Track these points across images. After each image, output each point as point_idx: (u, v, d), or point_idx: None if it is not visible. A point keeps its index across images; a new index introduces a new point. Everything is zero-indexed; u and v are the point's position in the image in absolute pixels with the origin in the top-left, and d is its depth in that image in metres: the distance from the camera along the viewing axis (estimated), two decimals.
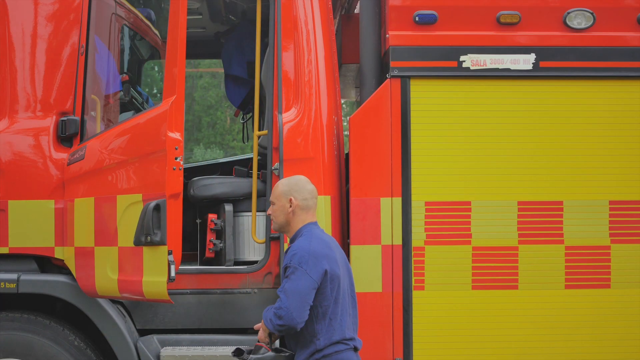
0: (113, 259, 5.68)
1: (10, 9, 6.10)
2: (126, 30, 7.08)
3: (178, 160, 5.47)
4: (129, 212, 5.56)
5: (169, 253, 5.37)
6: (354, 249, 6.07)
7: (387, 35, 6.14)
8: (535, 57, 6.13)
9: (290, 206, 5.00)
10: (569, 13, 6.15)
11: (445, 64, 6.11)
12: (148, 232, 5.41)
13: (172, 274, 5.35)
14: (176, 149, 5.46)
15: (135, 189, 5.61)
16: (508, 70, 6.12)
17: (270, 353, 5.03)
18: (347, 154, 6.27)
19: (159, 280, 5.41)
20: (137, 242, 5.46)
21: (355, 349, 5.04)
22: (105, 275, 5.71)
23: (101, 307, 5.92)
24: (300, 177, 5.18)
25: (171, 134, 5.47)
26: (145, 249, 5.44)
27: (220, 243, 6.29)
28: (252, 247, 6.38)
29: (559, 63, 6.14)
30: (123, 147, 5.79)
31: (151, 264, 5.45)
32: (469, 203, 6.11)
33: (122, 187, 5.70)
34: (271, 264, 6.14)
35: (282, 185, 5.09)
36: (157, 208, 5.39)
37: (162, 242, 5.38)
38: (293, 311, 4.80)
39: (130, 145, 5.75)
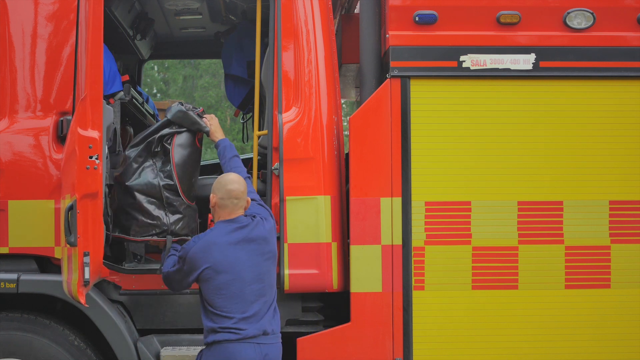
0: (64, 261, 5.72)
1: (10, 9, 6.10)
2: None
3: (93, 159, 5.44)
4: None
5: (85, 255, 5.36)
6: (354, 249, 6.07)
7: (387, 35, 6.14)
8: (535, 57, 6.13)
9: (212, 203, 5.50)
10: (569, 13, 6.15)
11: (445, 64, 6.11)
12: (65, 234, 5.43)
13: (86, 276, 5.34)
14: (90, 147, 5.43)
15: (67, 190, 5.63)
16: (508, 70, 6.12)
17: None
18: (347, 154, 6.27)
19: (73, 282, 5.43)
20: (67, 243, 5.49)
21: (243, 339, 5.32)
22: (64, 276, 5.74)
23: (101, 307, 5.92)
24: (227, 176, 5.55)
25: (83, 132, 5.45)
26: (72, 250, 5.46)
27: None
28: None
29: (559, 63, 6.14)
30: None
31: (72, 265, 5.47)
32: (469, 203, 6.11)
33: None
34: None
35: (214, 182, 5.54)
36: (72, 209, 5.39)
37: (74, 244, 5.38)
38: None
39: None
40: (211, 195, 5.53)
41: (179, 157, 6.18)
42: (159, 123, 6.27)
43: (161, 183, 6.16)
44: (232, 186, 5.47)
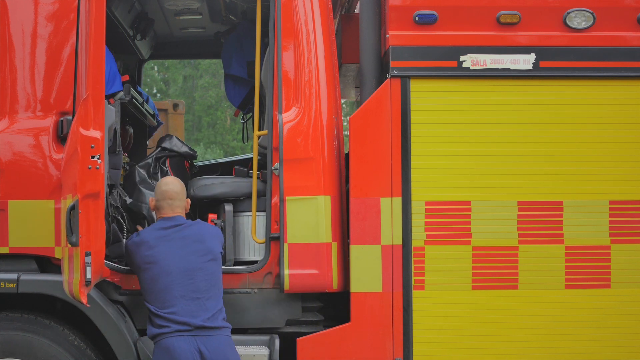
0: (65, 261, 5.73)
1: (10, 9, 6.10)
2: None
3: (95, 159, 5.46)
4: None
5: (87, 255, 5.38)
6: (354, 249, 6.07)
7: (387, 35, 6.14)
8: (535, 57, 6.13)
9: (151, 206, 5.97)
10: (569, 13, 6.15)
11: (445, 64, 6.11)
12: (67, 234, 5.44)
13: (88, 276, 5.37)
14: (92, 147, 5.45)
15: (68, 190, 5.63)
16: (508, 70, 6.12)
17: None
18: (347, 154, 6.27)
19: (74, 282, 5.44)
20: (68, 243, 5.50)
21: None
22: (64, 276, 5.75)
23: (100, 307, 5.92)
24: (164, 179, 6.03)
25: (85, 132, 5.46)
26: (73, 250, 5.46)
27: None
28: (252, 247, 6.38)
29: (559, 63, 6.14)
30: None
31: (74, 265, 5.48)
32: (469, 203, 6.11)
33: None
34: (271, 264, 6.14)
35: None
36: (74, 209, 5.40)
37: (76, 244, 5.39)
38: None
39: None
40: (150, 199, 6.03)
41: (175, 175, 6.78)
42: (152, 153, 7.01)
43: None
44: (166, 187, 5.89)
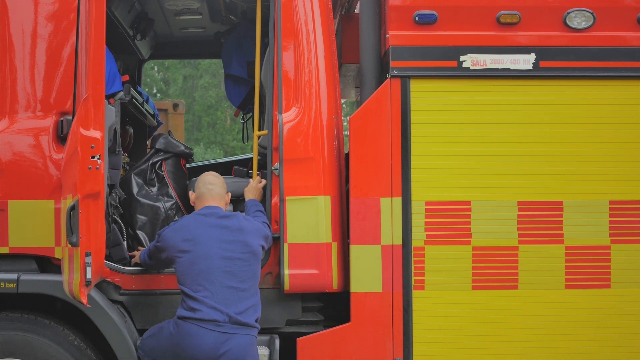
0: (65, 261, 5.73)
1: (10, 9, 6.10)
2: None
3: (95, 159, 5.46)
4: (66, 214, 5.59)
5: (87, 255, 5.38)
6: (354, 249, 6.08)
7: (387, 35, 6.14)
8: (535, 57, 6.13)
9: (192, 200, 5.97)
10: (569, 13, 6.15)
11: (445, 64, 6.11)
12: (67, 234, 5.44)
13: (88, 276, 5.37)
14: (92, 147, 5.45)
15: (68, 190, 5.63)
16: (508, 70, 6.13)
17: None
18: (347, 154, 6.27)
19: (74, 282, 5.45)
20: (69, 243, 5.50)
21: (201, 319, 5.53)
22: (64, 276, 5.75)
23: (100, 307, 5.92)
24: (205, 174, 6.00)
25: (85, 132, 5.46)
26: (74, 250, 5.46)
27: None
28: None
29: (559, 63, 6.14)
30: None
31: (74, 265, 5.48)
32: (469, 203, 6.11)
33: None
34: (271, 264, 6.14)
35: None
36: (74, 209, 5.41)
37: (76, 244, 5.40)
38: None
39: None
40: (189, 193, 6.01)
41: (172, 178, 6.79)
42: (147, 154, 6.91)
43: (166, 205, 6.69)
44: (206, 177, 5.91)
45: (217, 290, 5.57)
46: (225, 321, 5.53)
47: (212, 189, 5.85)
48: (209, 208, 5.81)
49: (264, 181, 6.25)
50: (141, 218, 6.62)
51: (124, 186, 6.74)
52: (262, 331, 6.17)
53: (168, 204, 6.67)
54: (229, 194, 5.98)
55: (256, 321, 5.66)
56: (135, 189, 6.71)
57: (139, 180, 6.77)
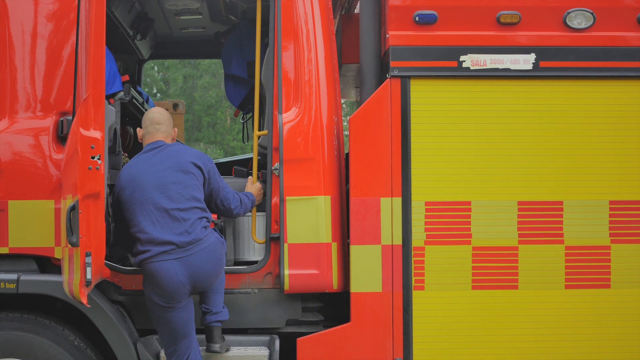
0: (65, 261, 5.74)
1: (10, 9, 6.10)
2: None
3: (95, 159, 5.46)
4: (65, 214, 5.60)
5: (87, 255, 5.38)
6: (353, 249, 6.07)
7: (387, 35, 6.14)
8: (535, 57, 6.13)
9: (139, 137, 6.08)
10: (569, 13, 6.15)
11: (445, 64, 6.11)
12: (67, 234, 5.45)
13: (88, 276, 5.38)
14: (92, 147, 5.46)
15: (68, 190, 5.64)
16: (508, 70, 6.12)
17: None
18: (347, 154, 6.27)
19: (74, 282, 5.45)
20: (69, 243, 5.51)
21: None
22: (64, 276, 5.75)
23: (100, 308, 5.92)
24: (151, 110, 6.15)
25: (85, 132, 5.46)
26: (74, 250, 5.46)
27: None
28: (252, 248, 6.39)
29: (559, 63, 6.14)
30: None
31: (74, 266, 5.49)
32: (469, 203, 6.11)
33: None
34: (271, 264, 6.14)
35: None
36: (74, 209, 5.41)
37: (76, 244, 5.40)
38: None
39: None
40: (137, 130, 6.09)
41: None
42: None
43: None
44: (153, 115, 6.05)
45: (157, 222, 5.71)
46: (174, 249, 5.68)
47: (158, 129, 6.00)
48: (151, 144, 5.96)
49: (258, 184, 6.28)
50: None
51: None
52: (262, 331, 6.18)
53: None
54: (176, 130, 6.13)
55: (204, 228, 5.77)
56: None
57: None
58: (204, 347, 5.93)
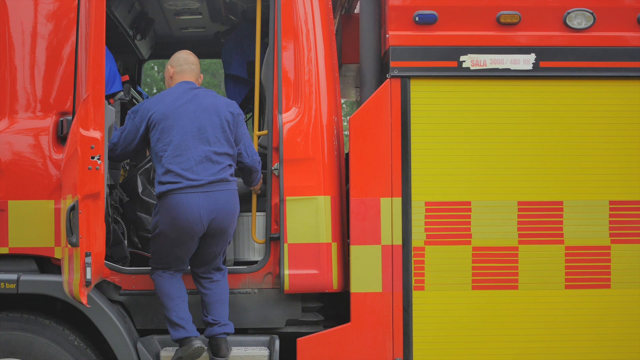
0: (65, 261, 5.73)
1: (10, 9, 6.10)
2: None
3: (95, 159, 5.46)
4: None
5: (87, 255, 5.38)
6: (353, 249, 6.07)
7: (387, 35, 6.14)
8: (535, 57, 6.13)
9: (169, 74, 6.14)
10: (569, 13, 6.15)
11: (445, 64, 6.11)
12: (67, 234, 5.44)
13: (88, 276, 5.38)
14: (92, 147, 5.46)
15: (68, 190, 5.63)
16: (508, 70, 6.12)
17: None
18: (347, 154, 6.27)
19: (74, 282, 5.45)
20: (69, 244, 5.50)
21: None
22: (64, 276, 5.75)
23: (100, 308, 5.91)
24: (183, 51, 6.20)
25: (85, 132, 5.47)
26: (74, 250, 5.46)
27: None
28: (252, 248, 6.39)
29: (559, 63, 6.14)
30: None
31: (74, 266, 5.49)
32: (469, 203, 6.11)
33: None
34: (271, 264, 6.14)
35: None
36: (74, 209, 5.41)
37: (76, 244, 5.40)
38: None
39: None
40: (167, 67, 6.15)
41: None
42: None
43: None
44: (188, 55, 6.14)
45: (192, 156, 5.77)
46: (203, 184, 5.76)
47: (194, 69, 6.12)
48: (185, 83, 6.03)
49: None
50: (146, 217, 6.62)
51: (130, 186, 6.74)
52: (262, 331, 6.18)
53: None
54: (202, 76, 6.21)
55: (231, 175, 5.92)
56: (140, 189, 6.71)
57: (144, 180, 6.77)
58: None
